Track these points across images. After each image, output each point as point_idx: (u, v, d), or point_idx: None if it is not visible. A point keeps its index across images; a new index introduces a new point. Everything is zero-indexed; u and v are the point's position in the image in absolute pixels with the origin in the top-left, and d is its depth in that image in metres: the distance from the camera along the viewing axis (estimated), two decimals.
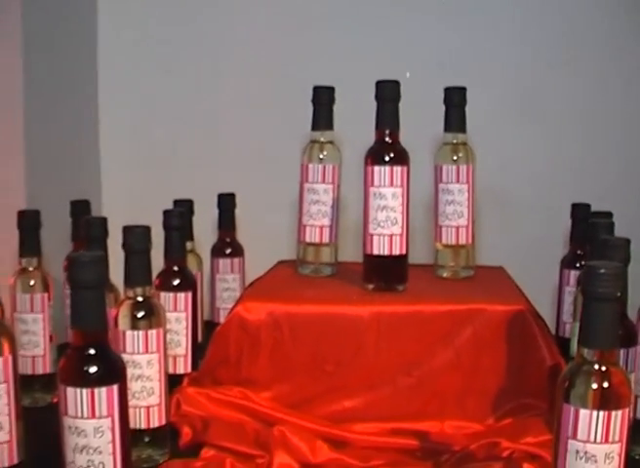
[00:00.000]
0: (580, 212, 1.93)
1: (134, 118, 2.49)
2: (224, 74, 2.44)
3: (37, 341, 1.70)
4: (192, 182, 2.32)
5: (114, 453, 1.12)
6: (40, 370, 1.70)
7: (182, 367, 1.70)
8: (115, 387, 1.11)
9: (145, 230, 1.40)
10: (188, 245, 1.92)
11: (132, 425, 1.39)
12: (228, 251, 2.09)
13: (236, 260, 2.09)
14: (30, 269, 1.70)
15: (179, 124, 2.48)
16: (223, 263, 2.09)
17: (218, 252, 2.10)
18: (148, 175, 2.49)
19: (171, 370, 1.65)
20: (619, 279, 1.09)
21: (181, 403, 1.56)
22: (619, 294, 1.09)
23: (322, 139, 1.74)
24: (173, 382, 1.58)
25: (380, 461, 1.41)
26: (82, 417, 1.10)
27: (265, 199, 2.36)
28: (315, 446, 1.42)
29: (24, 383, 1.66)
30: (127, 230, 1.40)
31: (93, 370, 1.11)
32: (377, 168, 1.59)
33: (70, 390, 1.10)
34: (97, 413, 1.10)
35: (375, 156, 1.59)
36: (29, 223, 1.70)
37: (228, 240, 2.10)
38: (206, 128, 2.46)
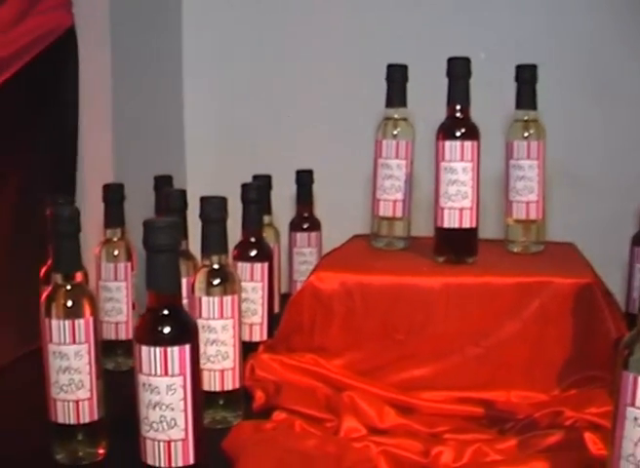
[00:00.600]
0: None
1: (217, 97, 2.54)
2: (302, 54, 2.47)
3: (120, 308, 1.76)
4: (273, 159, 2.35)
5: (185, 410, 1.15)
6: (123, 336, 1.76)
7: (258, 334, 1.73)
8: (187, 347, 1.15)
9: (221, 200, 1.44)
10: (266, 218, 1.95)
11: (206, 388, 1.45)
12: (306, 225, 2.13)
13: (313, 234, 2.12)
14: (114, 240, 1.77)
15: (260, 103, 2.53)
16: (301, 237, 2.12)
17: (296, 226, 2.13)
18: (231, 153, 2.54)
19: (247, 338, 1.69)
20: None
21: (255, 368, 1.60)
22: None
23: (396, 116, 1.76)
24: (249, 349, 1.63)
25: (445, 427, 1.43)
26: (155, 375, 1.14)
27: (342, 174, 2.39)
28: (383, 411, 1.45)
29: (108, 348, 1.73)
30: (204, 200, 1.44)
31: (166, 330, 1.15)
32: (447, 143, 1.61)
33: (145, 349, 1.15)
34: (169, 372, 1.14)
35: (446, 131, 1.62)
36: (114, 196, 1.76)
37: (306, 214, 2.13)
38: (285, 107, 2.50)
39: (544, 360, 1.55)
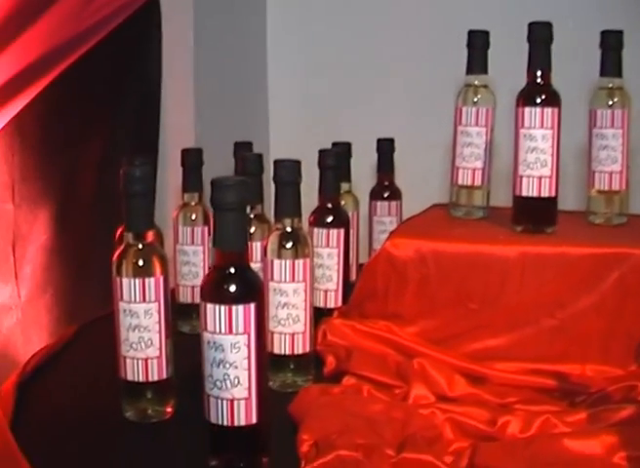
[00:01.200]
0: None
1: (300, 65, 2.55)
2: (384, 23, 2.48)
3: (197, 272, 1.77)
4: (354, 128, 2.35)
5: (249, 369, 1.14)
6: (198, 300, 1.76)
7: (333, 301, 1.73)
8: (252, 305, 1.14)
9: (295, 164, 1.43)
10: (345, 186, 1.94)
11: (277, 351, 1.45)
12: (386, 194, 2.10)
13: (393, 203, 2.10)
14: (192, 204, 1.77)
15: (341, 71, 2.53)
16: (381, 206, 2.10)
17: (376, 195, 2.11)
18: (313, 121, 2.55)
19: (322, 304, 1.69)
20: None
21: (327, 333, 1.59)
22: None
23: (476, 83, 1.73)
24: (323, 316, 1.64)
25: (516, 398, 1.41)
26: (220, 333, 1.14)
27: (423, 143, 2.37)
28: (453, 380, 1.43)
29: (184, 311, 1.75)
30: (278, 163, 1.44)
31: (232, 288, 1.14)
32: (527, 109, 1.58)
33: (210, 306, 1.15)
34: (233, 330, 1.13)
35: (526, 97, 1.59)
36: (192, 161, 1.77)
37: (387, 183, 2.10)
38: (367, 75, 2.49)
39: (621, 334, 1.51)
